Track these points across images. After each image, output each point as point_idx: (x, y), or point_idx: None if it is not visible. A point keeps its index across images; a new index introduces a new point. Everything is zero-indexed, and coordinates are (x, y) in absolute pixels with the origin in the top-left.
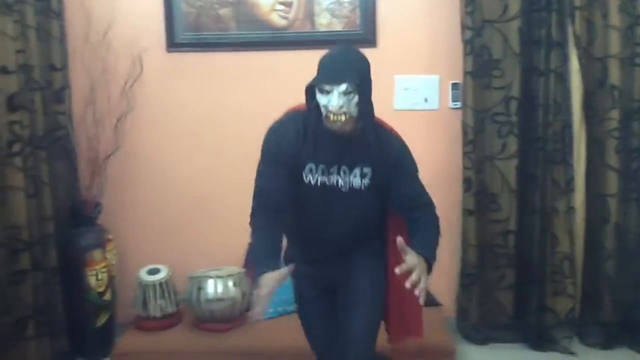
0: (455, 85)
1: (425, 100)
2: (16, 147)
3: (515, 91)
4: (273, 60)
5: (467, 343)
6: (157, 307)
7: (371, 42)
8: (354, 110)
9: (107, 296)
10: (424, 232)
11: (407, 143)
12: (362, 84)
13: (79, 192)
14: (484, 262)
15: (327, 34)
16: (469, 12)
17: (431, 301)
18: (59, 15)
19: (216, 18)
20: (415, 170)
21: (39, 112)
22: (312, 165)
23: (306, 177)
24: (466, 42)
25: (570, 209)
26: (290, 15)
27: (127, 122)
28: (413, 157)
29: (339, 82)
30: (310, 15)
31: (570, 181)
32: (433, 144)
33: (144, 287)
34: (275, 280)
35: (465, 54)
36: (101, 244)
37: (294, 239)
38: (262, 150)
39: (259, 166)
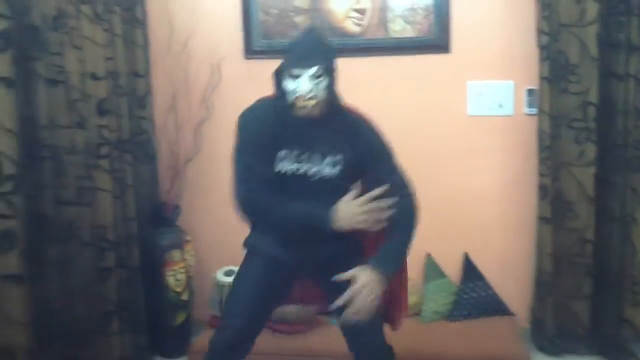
0: (530, 91)
1: (500, 106)
2: (104, 150)
3: (592, 97)
4: (347, 66)
5: (541, 354)
6: None
7: (444, 48)
8: (322, 94)
9: (185, 296)
10: (391, 236)
11: (481, 149)
12: (330, 67)
13: (159, 195)
14: (560, 272)
15: (400, 40)
16: (545, 16)
17: (504, 310)
18: (143, 24)
19: (292, 25)
20: (389, 154)
21: (125, 117)
22: (286, 152)
23: (277, 165)
24: (542, 47)
25: None
26: (364, 22)
27: (206, 128)
28: (386, 141)
29: (309, 66)
30: (383, 22)
31: None
32: (508, 150)
33: (221, 287)
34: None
35: (542, 59)
36: (180, 245)
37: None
38: (241, 135)
39: (239, 151)
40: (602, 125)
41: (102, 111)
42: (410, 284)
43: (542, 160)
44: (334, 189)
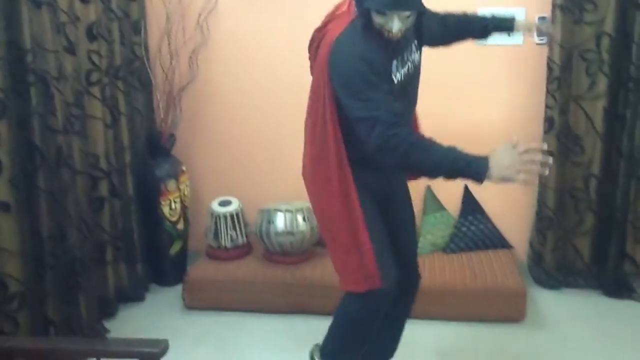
0: (542, 20)
1: (508, 34)
2: (94, 77)
3: (608, 27)
4: None
5: (539, 287)
6: (227, 237)
7: None
8: (410, 25)
9: (180, 226)
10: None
11: (489, 79)
12: (420, 8)
13: (155, 124)
14: (563, 206)
15: None
16: None
17: (502, 244)
18: None
19: None
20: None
21: (117, 43)
22: (396, 63)
23: (395, 77)
24: None
25: None
26: None
27: (201, 55)
28: None
29: (401, 10)
30: None
31: None
32: (515, 81)
33: (216, 217)
34: None
35: None
36: (175, 175)
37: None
38: (357, 76)
39: (361, 92)
40: (616, 58)
41: (92, 36)
42: None
43: (549, 92)
44: (419, 72)
